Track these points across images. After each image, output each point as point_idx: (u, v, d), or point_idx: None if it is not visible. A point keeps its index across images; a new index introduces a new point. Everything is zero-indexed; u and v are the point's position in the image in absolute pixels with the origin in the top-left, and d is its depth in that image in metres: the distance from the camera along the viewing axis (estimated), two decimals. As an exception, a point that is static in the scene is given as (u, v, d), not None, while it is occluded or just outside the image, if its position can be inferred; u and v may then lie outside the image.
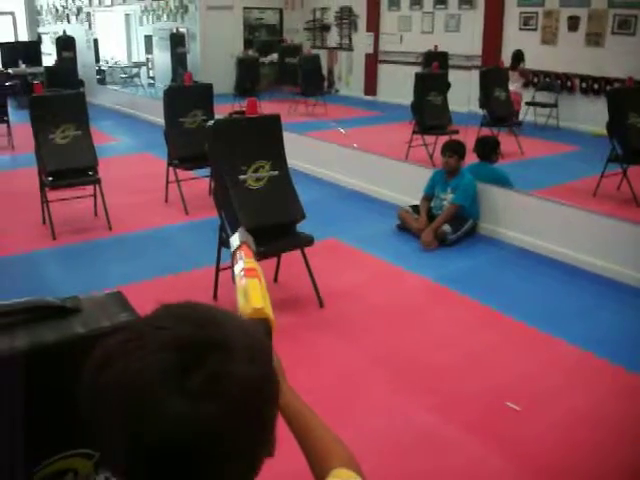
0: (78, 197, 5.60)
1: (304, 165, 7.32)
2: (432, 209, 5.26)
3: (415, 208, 5.31)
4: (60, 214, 5.55)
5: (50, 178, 5.23)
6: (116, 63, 15.22)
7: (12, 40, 15.48)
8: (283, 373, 1.06)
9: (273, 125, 3.94)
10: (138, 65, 15.24)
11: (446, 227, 5.01)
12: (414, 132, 7.38)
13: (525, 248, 4.98)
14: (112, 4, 14.25)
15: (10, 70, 12.45)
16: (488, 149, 5.70)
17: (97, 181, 5.42)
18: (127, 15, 16.01)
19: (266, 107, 11.18)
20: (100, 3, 13.29)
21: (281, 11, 14.74)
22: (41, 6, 16.00)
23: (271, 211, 3.75)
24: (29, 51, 13.54)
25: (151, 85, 14.81)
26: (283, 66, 13.09)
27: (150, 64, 15.04)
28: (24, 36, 16.34)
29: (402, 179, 6.11)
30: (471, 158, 5.67)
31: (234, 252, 1.19)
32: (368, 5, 12.62)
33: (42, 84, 5.55)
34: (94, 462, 1.29)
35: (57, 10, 14.78)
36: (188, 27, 13.49)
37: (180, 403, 0.63)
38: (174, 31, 12.74)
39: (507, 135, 7.69)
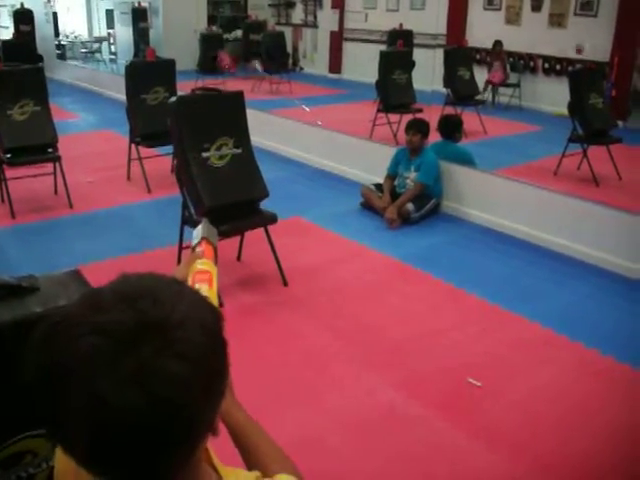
0: (38, 175, 5.47)
1: (269, 143, 7.27)
2: (396, 187, 5.28)
3: (379, 187, 5.33)
4: (19, 192, 5.43)
5: (8, 155, 5.10)
6: (76, 38, 14.87)
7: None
8: (230, 383, 1.02)
9: (236, 102, 3.90)
10: (99, 40, 14.90)
11: (409, 205, 5.04)
12: (378, 110, 7.38)
13: (488, 227, 5.05)
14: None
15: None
16: (451, 128, 5.73)
17: (57, 158, 5.31)
18: (87, -12, 15.63)
19: (230, 84, 11.09)
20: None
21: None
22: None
23: (234, 189, 3.72)
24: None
25: (113, 61, 14.49)
26: (247, 43, 12.94)
27: (112, 39, 14.71)
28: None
29: (366, 157, 6.11)
30: (435, 137, 5.70)
31: (193, 248, 1.17)
32: (333, -19, 12.52)
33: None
34: (53, 443, 1.27)
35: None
36: (150, 1, 13.22)
37: (107, 388, 0.63)
38: (136, 5, 12.46)
39: (470, 114, 7.74)
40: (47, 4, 13.10)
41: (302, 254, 4.45)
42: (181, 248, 3.95)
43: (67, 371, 0.64)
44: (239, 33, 13.60)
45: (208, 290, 1.02)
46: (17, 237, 4.86)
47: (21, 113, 5.18)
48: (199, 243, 1.17)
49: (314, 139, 6.82)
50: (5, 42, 9.72)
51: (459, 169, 5.34)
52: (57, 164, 5.37)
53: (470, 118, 7.56)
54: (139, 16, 12.30)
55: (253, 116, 7.67)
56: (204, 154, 3.68)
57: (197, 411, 0.68)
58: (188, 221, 3.81)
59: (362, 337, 3.42)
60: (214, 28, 13.22)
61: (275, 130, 7.36)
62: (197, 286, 1.01)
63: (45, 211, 5.33)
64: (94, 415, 0.63)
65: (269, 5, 14.19)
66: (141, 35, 12.29)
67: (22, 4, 12.56)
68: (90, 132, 8.64)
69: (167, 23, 12.80)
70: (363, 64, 10.52)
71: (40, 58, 10.80)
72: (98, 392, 0.63)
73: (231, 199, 3.70)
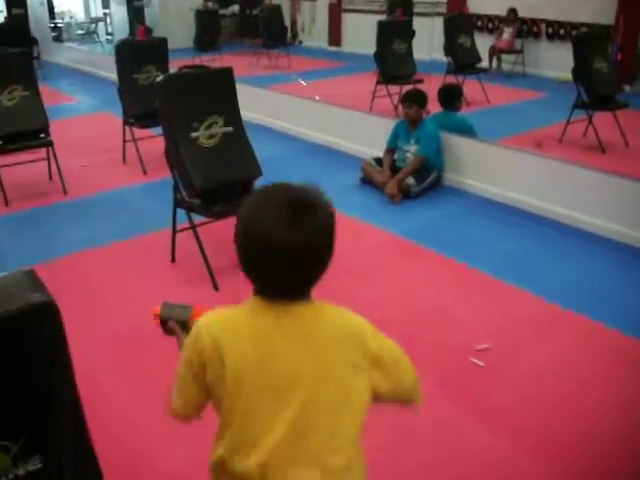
0: (31, 161, 5.37)
1: (265, 119, 7.15)
2: (396, 161, 5.15)
3: (379, 161, 5.20)
4: (13, 179, 5.34)
5: (-2, 142, 5.00)
6: (72, 19, 14.68)
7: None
8: None
9: (226, 79, 3.76)
10: (95, 21, 14.72)
11: (410, 179, 4.91)
12: (378, 82, 7.22)
13: (491, 199, 4.92)
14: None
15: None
16: (451, 97, 5.58)
17: (49, 143, 5.20)
18: (82, -33, 15.39)
19: (227, 60, 10.91)
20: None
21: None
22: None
23: (225, 169, 3.60)
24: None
25: (110, 41, 14.29)
26: (244, 18, 12.73)
27: (108, 19, 14.52)
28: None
29: (366, 131, 5.97)
30: (436, 108, 5.55)
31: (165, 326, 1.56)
32: (329, -50, 12.25)
33: None
34: (12, 455, 1.20)
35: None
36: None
37: (289, 229, 1.16)
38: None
39: (472, 82, 7.56)
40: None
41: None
42: (175, 231, 3.86)
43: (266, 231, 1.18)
44: (236, 8, 13.37)
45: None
46: (10, 225, 4.78)
47: (10, 99, 5.06)
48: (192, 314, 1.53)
49: (312, 114, 6.68)
50: (-3, 26, 9.54)
51: (460, 140, 5.20)
52: (50, 149, 5.27)
53: (472, 87, 7.40)
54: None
55: (250, 92, 7.58)
56: (193, 134, 3.56)
57: (330, 252, 1.24)
58: (180, 203, 3.71)
59: (361, 313, 3.31)
60: (210, 4, 12.99)
61: (272, 106, 7.22)
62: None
63: (39, 198, 5.23)
64: (285, 251, 1.18)
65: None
66: (136, 14, 12.11)
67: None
68: (87, 115, 8.52)
69: (163, 1, 12.60)
70: (363, 35, 10.28)
71: (34, 41, 10.65)
72: (286, 239, 1.16)
73: (223, 180, 3.59)
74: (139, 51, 5.69)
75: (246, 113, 6.22)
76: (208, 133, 3.62)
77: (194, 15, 11.05)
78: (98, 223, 4.68)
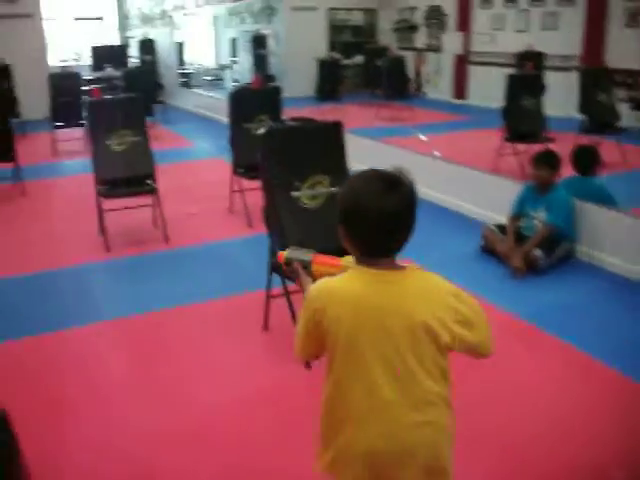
0: (136, 207, 5.25)
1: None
2: (521, 229, 4.60)
3: (502, 228, 4.66)
4: (118, 224, 5.26)
5: (105, 187, 4.91)
6: (200, 66, 15.14)
7: (102, 44, 15.64)
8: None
9: (334, 134, 3.42)
10: (222, 67, 15.10)
11: (537, 251, 4.34)
12: (504, 139, 6.71)
13: (633, 279, 4.25)
14: (198, 5, 14.14)
15: (97, 73, 12.50)
16: (587, 160, 4.97)
17: (154, 190, 5.07)
18: (215, 17, 15.93)
19: (347, 111, 10.76)
20: (185, 6, 13.17)
21: (370, 11, 14.23)
22: (129, 10, 16.14)
23: (327, 235, 3.20)
24: (117, 55, 13.59)
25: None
26: (369, 68, 12.57)
27: (235, 66, 14.87)
28: (115, 40, 16.52)
29: (489, 193, 5.45)
30: (568, 171, 4.97)
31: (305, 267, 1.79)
32: (458, 3, 11.92)
33: (100, 90, 5.22)
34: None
35: (143, 14, 14.81)
36: (274, 29, 13.21)
37: (383, 198, 1.45)
38: (255, 33, 12.47)
39: (610, 143, 6.86)
40: (171, 34, 13.37)
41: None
42: (269, 297, 3.51)
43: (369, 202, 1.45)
44: (359, 59, 13.27)
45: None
46: (108, 273, 4.64)
47: (119, 144, 4.99)
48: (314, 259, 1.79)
49: (430, 170, 6.23)
50: (127, 72, 9.84)
51: (596, 209, 4.57)
52: (155, 196, 5.14)
53: (609, 148, 6.71)
54: (258, 43, 12.29)
55: (364, 145, 7.27)
56: (294, 193, 3.22)
57: (414, 218, 1.51)
58: (275, 269, 3.36)
59: (465, 419, 2.80)
60: (334, 54, 12.98)
61: (386, 159, 6.81)
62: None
63: (140, 245, 5.09)
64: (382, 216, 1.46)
65: (392, 29, 13.77)
66: (260, 62, 12.25)
67: (146, 35, 12.88)
68: (201, 160, 8.51)
69: (288, 50, 12.71)
70: (489, 88, 9.82)
71: (160, 87, 10.93)
72: (384, 205, 1.45)
73: (322, 245, 3.20)
74: (252, 100, 5.50)
75: (357, 165, 5.86)
76: (311, 193, 3.27)
77: (317, 65, 10.99)
78: (195, 277, 4.43)
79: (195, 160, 8.38)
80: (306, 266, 1.79)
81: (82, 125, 8.78)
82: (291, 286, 3.35)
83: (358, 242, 1.51)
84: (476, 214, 5.43)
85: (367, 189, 1.47)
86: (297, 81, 11.97)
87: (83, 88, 8.71)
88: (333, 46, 13.58)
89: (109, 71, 12.67)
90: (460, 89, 12.26)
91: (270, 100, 5.56)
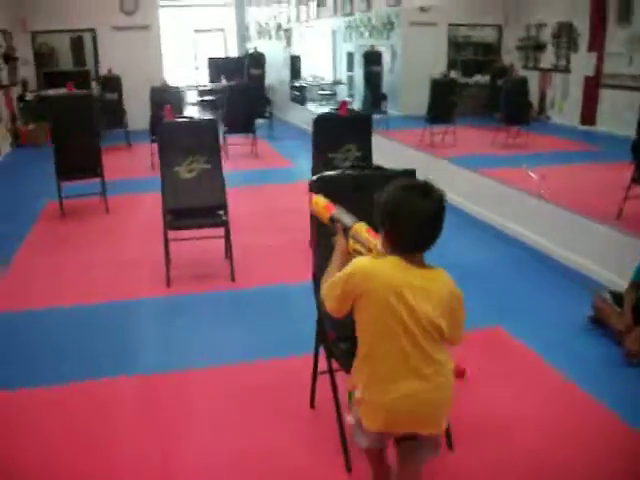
0: (208, 237, 4.84)
1: (477, 209, 6.06)
2: (643, 301, 3.77)
3: (618, 297, 3.83)
4: (186, 254, 4.92)
5: (170, 216, 4.55)
6: (314, 80, 14.82)
7: (221, 56, 15.73)
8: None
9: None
10: (336, 83, 14.71)
11: (661, 332, 3.51)
12: (632, 180, 5.76)
13: None
14: (314, 17, 13.85)
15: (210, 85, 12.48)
16: None
17: (223, 223, 4.65)
18: (333, 31, 15.60)
19: (459, 134, 10.02)
20: (300, 19, 12.89)
21: (494, 28, 13.36)
22: (249, 23, 16.13)
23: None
24: (233, 67, 13.54)
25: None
26: (491, 89, 11.71)
27: (350, 82, 14.45)
28: (234, 52, 16.58)
29: (607, 247, 4.59)
30: None
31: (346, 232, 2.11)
32: (592, 21, 10.85)
33: (171, 109, 4.88)
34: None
35: (260, 27, 14.71)
36: (391, 44, 12.67)
37: (422, 201, 1.88)
38: (369, 49, 11.97)
39: None
40: (285, 48, 13.13)
41: (488, 392, 3.19)
42: (316, 372, 2.95)
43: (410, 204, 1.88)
44: (480, 78, 12.44)
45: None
46: (162, 310, 4.27)
47: (189, 170, 4.61)
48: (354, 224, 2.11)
49: (536, 212, 5.44)
50: (231, 86, 9.62)
51: None
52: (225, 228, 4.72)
53: None
54: (371, 59, 11.78)
55: (463, 176, 6.57)
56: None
57: (444, 218, 1.91)
58: (322, 341, 2.80)
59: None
60: (452, 73, 12.23)
61: (485, 195, 6.13)
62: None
63: (204, 281, 4.69)
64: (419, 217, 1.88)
65: (516, 47, 12.83)
66: (373, 79, 11.72)
67: (255, 48, 12.70)
68: (296, 184, 8.03)
69: (404, 67, 12.11)
70: (623, 115, 8.77)
71: (267, 101, 10.65)
72: (421, 208, 1.87)
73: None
74: (338, 127, 4.96)
75: (455, 198, 5.22)
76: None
77: (429, 84, 10.35)
78: (248, 328, 3.96)
79: (290, 183, 7.92)
80: (346, 229, 2.09)
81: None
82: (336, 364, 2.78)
83: (398, 239, 1.92)
84: (587, 270, 4.59)
85: (408, 195, 1.89)
86: (411, 100, 11.35)
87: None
88: (453, 64, 12.82)
89: (223, 83, 12.62)
90: (589, 114, 11.13)
91: (359, 128, 5.00)
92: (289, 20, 12.89)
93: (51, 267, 5.05)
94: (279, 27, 13.11)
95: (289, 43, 13.19)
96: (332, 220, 2.15)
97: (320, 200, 2.25)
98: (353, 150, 4.95)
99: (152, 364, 3.52)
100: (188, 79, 16.79)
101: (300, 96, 14.50)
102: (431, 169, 7.35)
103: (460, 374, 3.20)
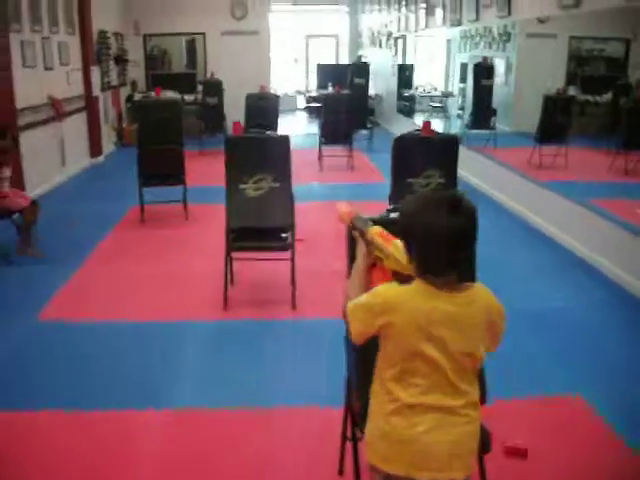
0: (274, 259, 4.58)
1: (574, 244, 5.48)
2: None
3: None
4: (249, 274, 4.67)
5: (232, 235, 4.31)
6: (425, 91, 14.34)
7: (330, 63, 15.55)
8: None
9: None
10: (446, 95, 14.16)
11: None
12: None
13: None
14: (422, 27, 13.38)
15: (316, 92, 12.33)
16: None
17: (287, 247, 4.36)
18: (448, 41, 15.06)
19: (571, 157, 9.26)
20: (408, 28, 12.45)
21: (625, 41, 12.38)
22: (362, 30, 15.86)
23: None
24: (340, 75, 13.31)
25: (460, 116, 13.63)
26: (615, 108, 10.83)
27: (463, 94, 13.88)
28: (345, 59, 16.37)
29: None
30: None
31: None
32: None
33: (240, 124, 4.64)
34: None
35: (372, 34, 14.39)
36: (508, 56, 12.02)
37: (449, 217, 1.62)
38: (481, 60, 11.39)
39: None
40: (394, 57, 12.74)
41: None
42: (345, 438, 2.58)
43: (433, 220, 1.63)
44: (602, 96, 11.55)
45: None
46: (213, 336, 4.05)
47: (255, 188, 4.35)
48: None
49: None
50: (329, 95, 9.36)
51: None
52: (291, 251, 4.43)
53: None
54: (482, 72, 11.19)
55: (564, 206, 5.97)
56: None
57: (476, 234, 1.69)
58: (349, 408, 2.44)
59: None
60: (571, 89, 11.41)
61: (588, 228, 5.53)
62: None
63: (264, 307, 4.43)
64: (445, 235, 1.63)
65: (645, 64, 11.81)
66: (482, 93, 11.14)
67: (360, 57, 12.39)
68: (383, 202, 7.68)
69: (518, 81, 11.43)
70: None
71: (369, 112, 10.33)
72: (448, 225, 1.62)
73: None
74: (420, 150, 4.54)
75: (553, 231, 4.68)
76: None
77: (543, 101, 9.67)
78: (296, 366, 3.66)
79: (380, 201, 7.54)
80: (363, 234, 1.96)
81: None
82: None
83: (423, 261, 1.70)
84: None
85: (432, 210, 1.65)
86: (524, 116, 10.68)
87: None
88: (572, 79, 11.98)
89: (329, 90, 12.43)
90: None
91: (444, 152, 4.56)
92: (399, 29, 12.48)
93: (115, 276, 4.96)
94: (389, 35, 12.73)
95: (397, 52, 12.78)
96: (353, 228, 2.04)
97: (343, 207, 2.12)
98: (436, 176, 4.52)
99: (187, 397, 3.28)
100: (299, 84, 16.78)
101: (409, 107, 14.07)
102: (533, 199, 6.79)
103: (521, 453, 2.75)
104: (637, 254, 4.78)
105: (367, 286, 1.87)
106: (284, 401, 3.24)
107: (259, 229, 4.37)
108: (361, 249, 1.97)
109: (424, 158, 4.53)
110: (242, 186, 4.34)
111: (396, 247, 1.85)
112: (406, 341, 1.69)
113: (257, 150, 4.35)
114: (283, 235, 4.41)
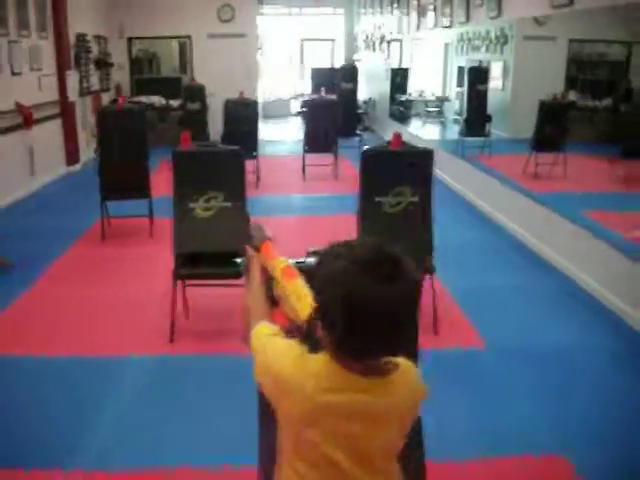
0: (223, 285, 4.14)
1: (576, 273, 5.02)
2: None
3: None
4: (203, 302, 4.25)
5: (178, 262, 3.89)
6: (419, 95, 13.92)
7: (324, 67, 15.16)
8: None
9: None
10: (442, 100, 13.73)
11: None
12: None
13: None
14: (414, 30, 12.99)
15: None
16: None
17: (240, 274, 3.91)
18: (446, 44, 14.66)
19: (570, 164, 8.82)
20: (402, 31, 12.03)
21: (627, 45, 11.94)
22: (358, 34, 15.47)
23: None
24: (332, 78, 12.92)
25: (456, 121, 13.21)
26: (616, 114, 10.40)
27: (461, 99, 13.46)
28: (341, 63, 15.99)
29: None
30: None
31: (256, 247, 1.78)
32: None
33: (190, 132, 4.19)
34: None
35: (367, 38, 13.98)
36: (505, 60, 11.62)
37: (381, 287, 1.16)
38: (475, 64, 10.97)
39: None
40: (386, 61, 12.33)
41: None
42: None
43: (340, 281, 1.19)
44: (602, 101, 11.11)
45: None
46: (151, 375, 3.61)
47: (205, 209, 3.93)
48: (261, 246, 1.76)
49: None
50: (312, 101, 8.96)
51: None
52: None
53: None
54: (477, 76, 10.78)
55: (558, 224, 5.53)
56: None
57: (417, 305, 1.29)
58: None
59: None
60: (571, 93, 10.98)
61: (579, 248, 5.08)
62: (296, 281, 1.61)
63: (214, 339, 4.01)
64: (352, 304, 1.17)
65: (648, 68, 11.37)
66: (476, 98, 10.72)
67: (349, 61, 11.98)
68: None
69: (515, 85, 11.02)
70: None
71: (358, 118, 9.92)
72: (353, 291, 1.17)
73: None
74: (389, 165, 4.09)
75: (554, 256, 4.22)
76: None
77: (538, 106, 9.24)
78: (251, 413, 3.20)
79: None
80: (258, 250, 1.79)
81: (255, 157, 8.04)
82: None
83: (342, 337, 1.22)
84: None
85: (363, 276, 1.19)
86: (520, 122, 10.27)
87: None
88: (572, 84, 11.54)
89: (322, 94, 12.02)
90: None
91: (417, 167, 4.12)
92: (391, 32, 12.08)
93: (62, 301, 4.56)
94: (382, 38, 12.32)
95: (390, 55, 12.37)
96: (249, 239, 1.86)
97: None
98: (407, 194, 4.08)
99: (103, 455, 2.85)
100: (295, 89, 16.38)
101: (404, 112, 13.65)
102: (525, 216, 6.30)
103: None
104: None
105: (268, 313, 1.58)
106: (221, 461, 2.81)
107: (210, 254, 3.94)
108: (257, 262, 1.79)
109: (394, 174, 4.09)
110: (192, 205, 3.92)
111: (296, 289, 1.60)
112: (302, 439, 1.30)
113: (207, 165, 3.92)
114: (238, 260, 3.98)
